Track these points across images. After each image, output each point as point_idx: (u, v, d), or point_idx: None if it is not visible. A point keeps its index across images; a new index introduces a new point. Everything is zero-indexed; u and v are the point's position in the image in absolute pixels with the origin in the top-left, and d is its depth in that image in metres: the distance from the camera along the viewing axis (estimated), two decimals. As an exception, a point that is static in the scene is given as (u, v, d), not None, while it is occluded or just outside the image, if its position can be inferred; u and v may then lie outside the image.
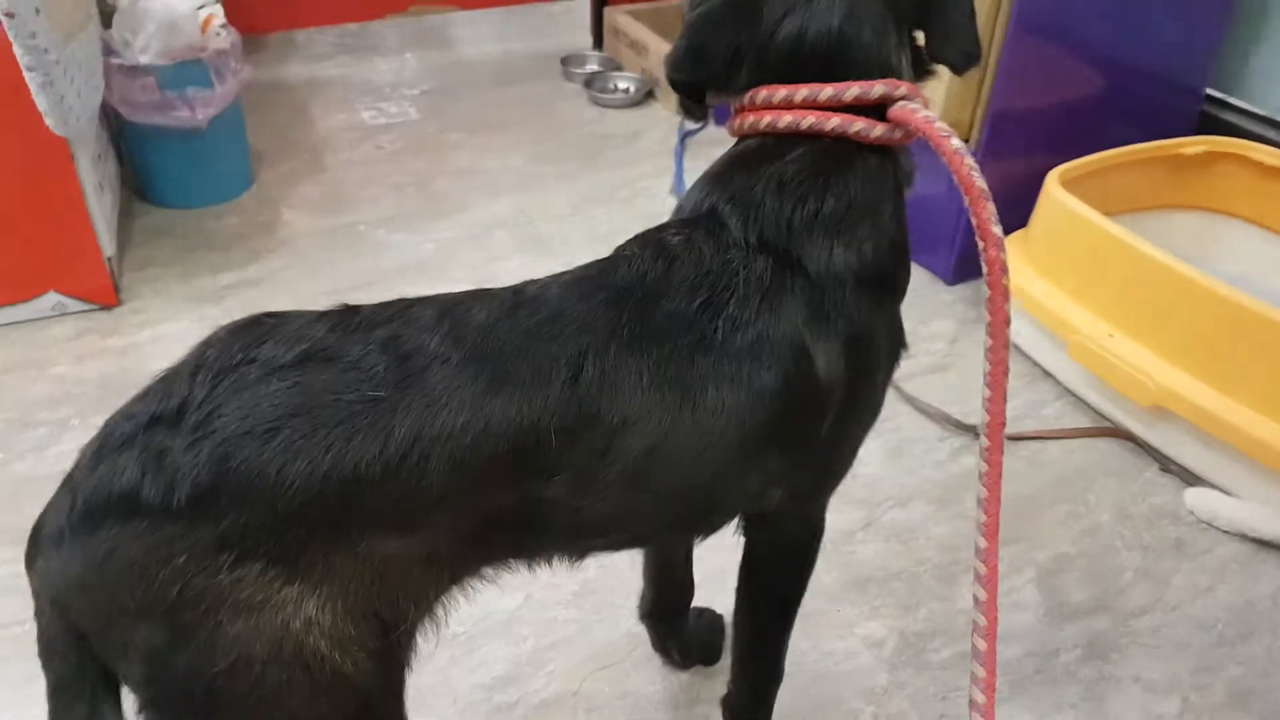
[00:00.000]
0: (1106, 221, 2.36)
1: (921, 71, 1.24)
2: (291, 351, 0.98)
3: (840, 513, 2.17)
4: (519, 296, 1.11)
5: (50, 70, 2.29)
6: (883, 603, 2.00)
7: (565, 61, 4.36)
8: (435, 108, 4.06)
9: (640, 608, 1.84)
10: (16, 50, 2.23)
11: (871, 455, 2.34)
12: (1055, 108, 2.82)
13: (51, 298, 2.70)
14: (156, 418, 0.96)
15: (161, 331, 2.69)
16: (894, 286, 1.24)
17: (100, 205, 2.73)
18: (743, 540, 1.45)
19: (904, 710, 1.81)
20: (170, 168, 3.20)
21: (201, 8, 3.07)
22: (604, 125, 3.96)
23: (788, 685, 1.64)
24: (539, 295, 1.11)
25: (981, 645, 1.21)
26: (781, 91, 1.17)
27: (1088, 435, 2.43)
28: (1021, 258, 2.61)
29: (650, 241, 1.18)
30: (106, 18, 3.04)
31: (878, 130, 1.15)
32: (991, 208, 1.11)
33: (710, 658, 1.87)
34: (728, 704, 1.66)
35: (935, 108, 2.63)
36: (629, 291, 1.12)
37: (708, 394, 1.10)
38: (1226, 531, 2.16)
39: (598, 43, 4.54)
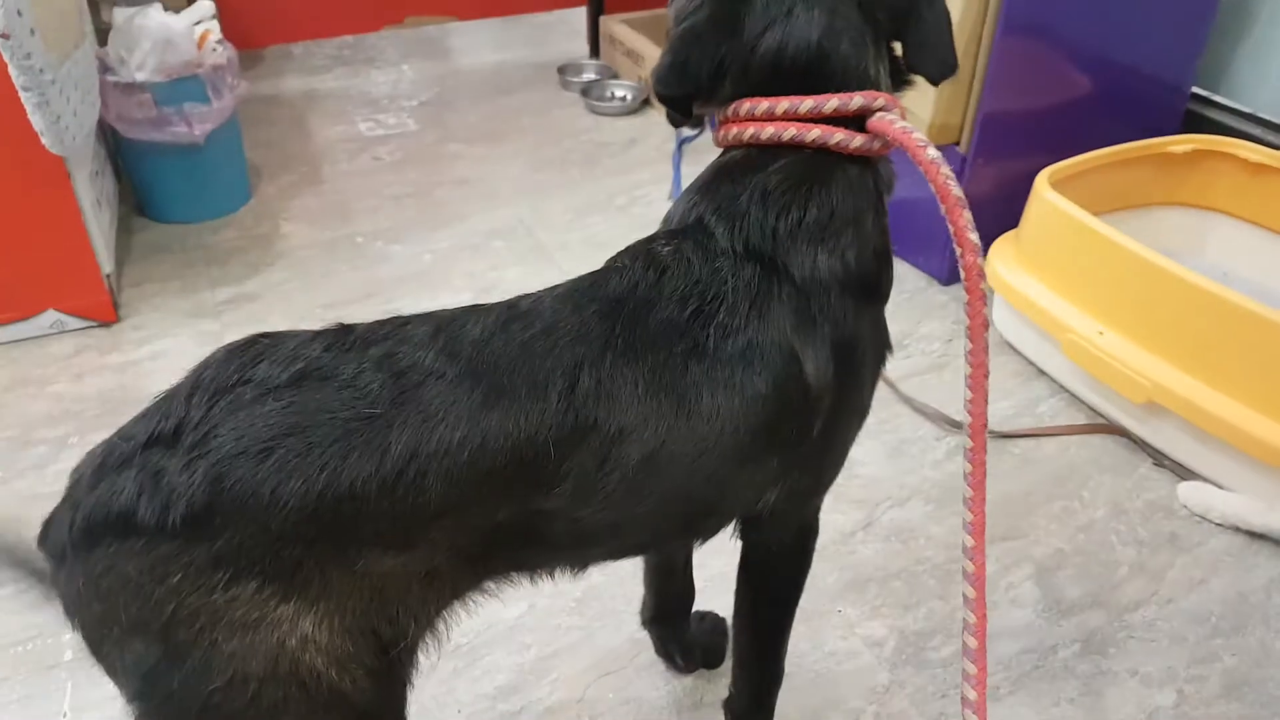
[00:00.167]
0: (1096, 221, 2.38)
1: (899, 82, 1.26)
2: (287, 371, 1.00)
3: (840, 513, 2.19)
4: (512, 310, 1.12)
5: (46, 90, 2.31)
6: (883, 602, 2.02)
7: (562, 70, 4.39)
8: (433, 118, 4.08)
9: (642, 613, 1.86)
10: (12, 71, 2.25)
11: (870, 456, 2.36)
12: (1044, 109, 2.84)
13: (50, 315, 2.71)
14: (154, 438, 0.97)
15: (161, 348, 2.70)
16: (878, 291, 1.26)
17: (98, 222, 2.74)
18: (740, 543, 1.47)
19: (905, 709, 1.82)
20: (168, 183, 3.21)
21: (198, 24, 3.09)
22: (601, 133, 3.98)
23: (789, 685, 1.66)
24: (532, 309, 1.12)
25: (972, 643, 1.22)
26: (764, 104, 1.19)
27: (1082, 432, 2.45)
28: (1013, 258, 2.64)
29: (640, 253, 1.20)
30: (102, 35, 3.06)
31: (857, 141, 1.17)
32: (968, 215, 1.12)
33: (713, 661, 1.88)
34: (729, 706, 1.68)
35: (926, 112, 2.67)
36: (621, 302, 1.13)
37: (702, 400, 1.11)
38: (1220, 525, 2.18)
39: (594, 51, 4.56)
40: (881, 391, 2.47)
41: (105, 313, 2.77)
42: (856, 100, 1.16)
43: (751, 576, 1.50)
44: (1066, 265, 2.48)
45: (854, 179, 1.20)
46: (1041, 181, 2.55)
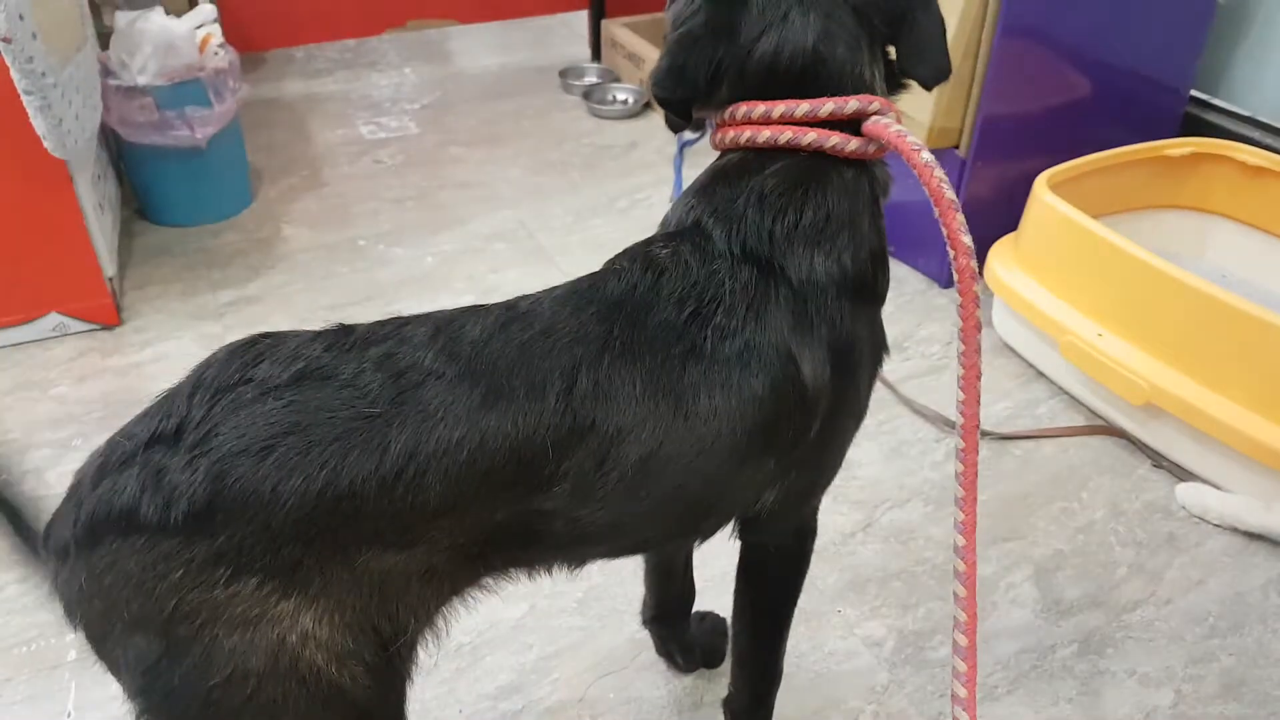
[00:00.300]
0: (1094, 223, 2.39)
1: (894, 86, 1.27)
2: (287, 371, 1.01)
3: (839, 514, 2.20)
4: (511, 312, 1.13)
5: (48, 94, 2.32)
6: (882, 602, 2.02)
7: (564, 74, 4.40)
8: (434, 121, 4.09)
9: (643, 613, 1.87)
10: (14, 74, 2.26)
11: (870, 457, 2.37)
12: (1043, 113, 2.85)
13: (53, 318, 2.72)
14: (156, 437, 0.98)
15: (163, 350, 2.72)
16: (874, 292, 1.27)
17: (100, 225, 2.75)
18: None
19: (904, 708, 1.83)
20: (170, 187, 3.23)
21: (199, 27, 3.09)
22: (602, 136, 3.99)
23: (789, 685, 1.67)
24: (531, 310, 1.13)
25: (962, 640, 1.22)
26: (760, 107, 1.20)
27: (1081, 434, 2.46)
28: (1013, 260, 2.64)
29: (638, 255, 1.21)
30: (104, 39, 3.06)
31: (852, 144, 1.18)
32: (961, 218, 1.13)
33: (713, 661, 1.89)
34: (729, 705, 1.69)
35: (926, 116, 2.68)
36: (619, 304, 1.14)
37: (699, 401, 1.12)
38: (1218, 525, 2.19)
39: (596, 55, 4.57)
40: (881, 393, 2.49)
41: (108, 315, 2.78)
42: (852, 104, 1.17)
43: (750, 577, 1.51)
44: (1065, 268, 2.48)
45: (850, 182, 1.21)
46: (1041, 184, 2.56)
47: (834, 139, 1.18)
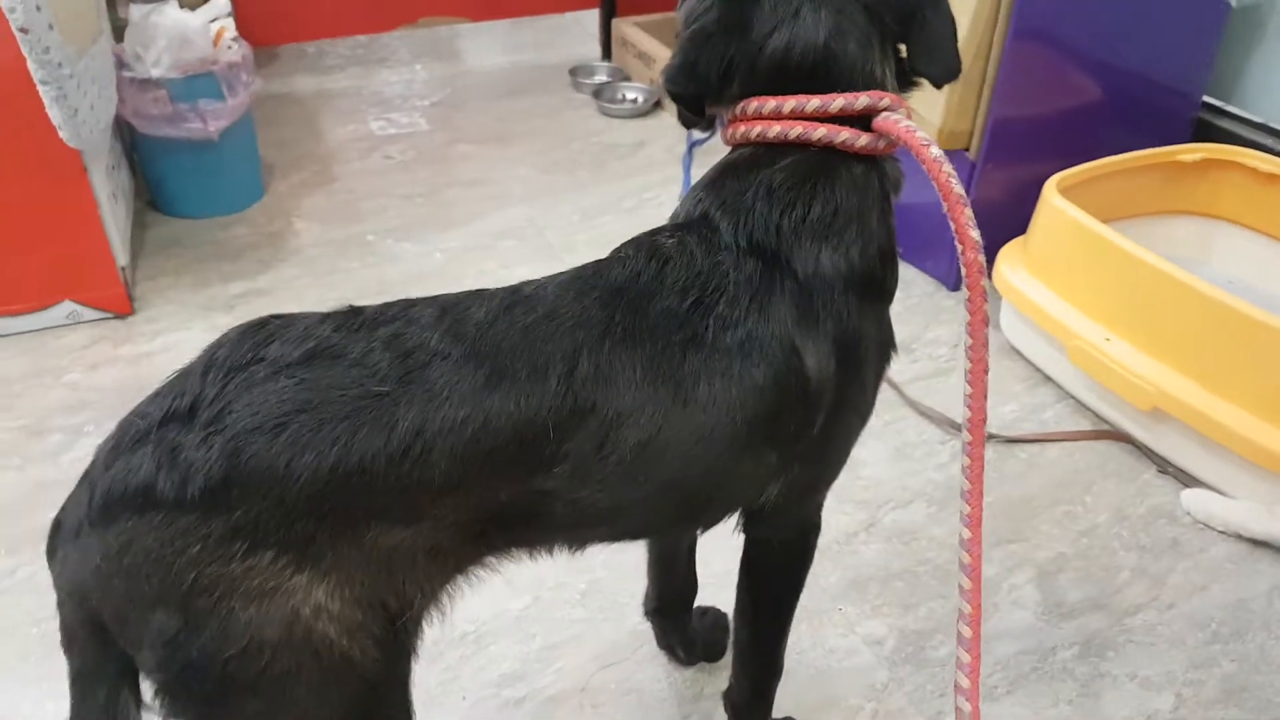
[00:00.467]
0: (1104, 228, 2.39)
1: (905, 84, 1.28)
2: (298, 350, 1.02)
3: (843, 513, 2.20)
4: (516, 295, 1.15)
5: (64, 84, 2.34)
6: (883, 602, 2.03)
7: (574, 72, 4.41)
8: (445, 118, 4.10)
9: (645, 605, 1.88)
10: (30, 65, 2.27)
11: (874, 457, 2.37)
12: (1054, 116, 2.86)
13: (66, 306, 2.74)
14: (170, 415, 1.00)
15: (174, 340, 2.73)
16: (882, 289, 1.27)
17: (114, 216, 2.77)
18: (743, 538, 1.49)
19: (903, 707, 1.83)
20: (182, 179, 3.24)
21: (213, 21, 3.11)
22: (612, 135, 4.00)
23: (789, 681, 1.67)
24: (535, 294, 1.15)
25: (966, 632, 1.23)
26: (770, 103, 1.21)
27: (1087, 438, 2.46)
28: (1021, 263, 2.64)
29: (644, 244, 1.22)
30: (119, 32, 3.08)
31: (862, 140, 1.19)
32: (969, 212, 1.14)
33: (714, 654, 1.90)
34: (729, 697, 1.70)
35: (936, 118, 2.69)
36: (622, 291, 1.16)
37: (699, 389, 1.13)
38: (1222, 531, 2.19)
39: (606, 53, 4.58)
40: (887, 394, 2.50)
41: (120, 305, 2.79)
42: (862, 100, 1.18)
43: (754, 570, 1.52)
44: (1074, 272, 2.49)
45: (859, 177, 1.22)
46: (1050, 188, 2.55)
47: (844, 134, 1.18)
